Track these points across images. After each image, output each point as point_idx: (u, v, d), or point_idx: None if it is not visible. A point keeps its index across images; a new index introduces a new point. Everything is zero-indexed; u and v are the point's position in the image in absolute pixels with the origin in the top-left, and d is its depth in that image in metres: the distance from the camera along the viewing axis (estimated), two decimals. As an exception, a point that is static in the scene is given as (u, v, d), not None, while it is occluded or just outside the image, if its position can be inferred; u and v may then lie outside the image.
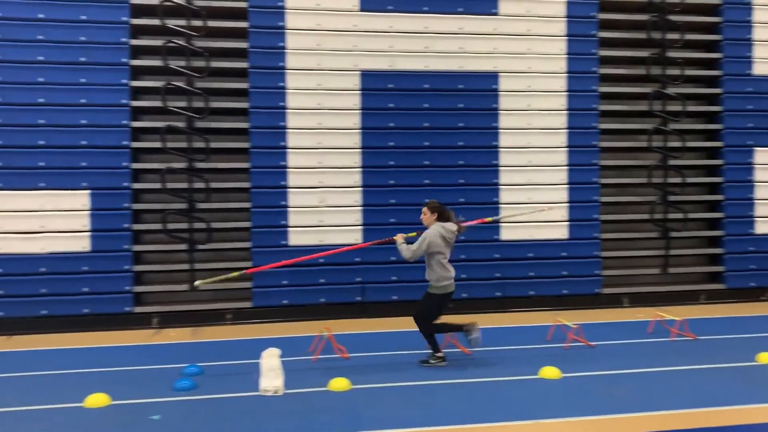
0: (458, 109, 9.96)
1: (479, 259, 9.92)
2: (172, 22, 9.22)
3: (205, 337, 8.53)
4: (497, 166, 10.00)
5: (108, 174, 9.14)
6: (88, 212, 9.06)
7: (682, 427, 5.16)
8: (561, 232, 10.12)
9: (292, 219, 9.52)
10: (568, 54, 10.19)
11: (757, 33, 10.61)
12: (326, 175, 9.64)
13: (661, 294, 10.37)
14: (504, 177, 10.01)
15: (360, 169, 9.71)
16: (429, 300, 6.83)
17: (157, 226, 9.21)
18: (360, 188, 9.70)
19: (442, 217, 6.85)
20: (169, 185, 9.21)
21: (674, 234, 10.49)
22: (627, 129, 10.75)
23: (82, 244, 9.02)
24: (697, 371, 6.59)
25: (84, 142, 9.09)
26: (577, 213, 10.17)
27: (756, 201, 10.61)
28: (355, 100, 9.73)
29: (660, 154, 10.47)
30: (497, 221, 7.95)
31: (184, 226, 9.32)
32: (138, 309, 9.17)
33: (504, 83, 10.05)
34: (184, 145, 9.32)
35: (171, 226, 9.20)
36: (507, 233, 10.00)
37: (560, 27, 10.17)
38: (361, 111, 9.75)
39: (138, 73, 9.49)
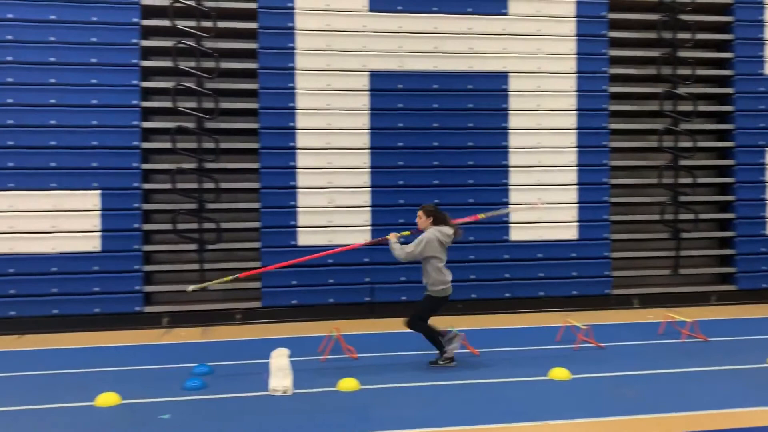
0: (467, 109, 9.94)
1: (488, 260, 9.90)
2: (182, 23, 9.27)
3: (214, 337, 8.56)
4: (507, 166, 9.98)
5: (118, 174, 9.19)
6: (99, 212, 9.11)
7: (693, 429, 5.13)
8: (571, 232, 10.09)
9: (301, 219, 9.54)
10: (578, 54, 10.15)
11: (770, 32, 10.54)
12: (335, 175, 9.65)
13: (672, 295, 10.31)
14: (513, 177, 9.98)
15: (369, 170, 9.71)
16: (427, 302, 6.79)
17: (167, 227, 9.25)
18: (369, 188, 9.70)
19: (438, 221, 6.81)
20: (179, 186, 9.25)
21: (685, 235, 10.43)
22: (637, 129, 10.70)
23: (92, 244, 9.08)
24: (708, 373, 6.54)
25: (95, 143, 9.15)
26: (586, 214, 10.13)
27: (768, 202, 10.54)
28: (364, 101, 9.73)
29: (671, 154, 10.41)
30: (494, 215, 7.85)
31: (193, 226, 9.36)
32: (148, 309, 9.22)
33: (513, 83, 10.03)
34: (194, 145, 9.36)
35: (181, 226, 9.24)
36: (516, 234, 9.98)
37: (570, 27, 10.14)
38: (370, 111, 9.75)
39: (148, 74, 9.53)
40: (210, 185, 9.36)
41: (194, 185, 9.38)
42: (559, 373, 6.37)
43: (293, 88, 9.58)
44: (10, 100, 8.96)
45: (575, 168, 10.13)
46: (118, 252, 9.13)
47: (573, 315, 8.85)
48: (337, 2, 9.66)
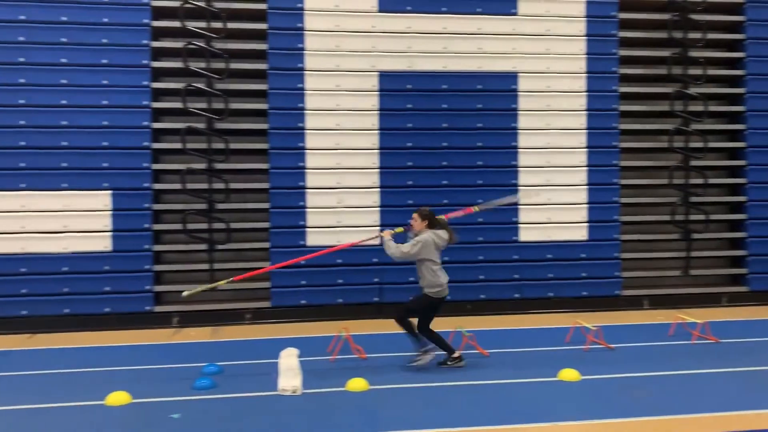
0: (477, 109, 9.93)
1: (498, 260, 9.88)
2: (192, 25, 9.31)
3: (224, 337, 8.59)
4: (516, 167, 9.95)
5: (129, 175, 9.24)
6: (110, 212, 9.17)
7: (703, 431, 5.10)
8: (580, 233, 10.05)
9: (311, 220, 9.55)
10: (588, 54, 10.11)
11: (782, 32, 10.46)
12: (344, 175, 9.67)
13: (683, 296, 10.25)
14: (523, 178, 9.96)
15: (378, 170, 9.72)
16: (421, 300, 6.75)
17: (177, 227, 9.30)
18: (378, 189, 9.71)
19: (433, 225, 6.79)
20: (189, 186, 9.29)
21: (696, 236, 10.37)
22: (647, 129, 10.66)
23: (103, 243, 9.14)
24: (719, 375, 6.50)
25: (105, 143, 9.21)
26: (596, 214, 10.09)
27: (780, 202, 10.46)
28: (373, 101, 9.74)
29: (681, 154, 10.35)
30: (488, 207, 7.79)
31: (203, 226, 9.40)
32: (158, 308, 9.26)
33: (523, 83, 10.00)
34: (203, 146, 9.40)
35: (191, 226, 9.28)
36: (525, 234, 9.95)
37: (580, 27, 10.10)
38: (379, 112, 9.76)
39: (159, 74, 9.58)
40: (220, 185, 9.40)
41: (204, 185, 9.42)
42: (569, 374, 6.35)
43: (302, 89, 9.60)
44: (22, 101, 9.03)
45: (585, 168, 10.10)
46: (129, 252, 9.19)
47: (583, 316, 8.82)
48: (347, 3, 9.67)
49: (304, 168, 9.58)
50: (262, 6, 9.56)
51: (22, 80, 9.04)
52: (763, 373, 6.54)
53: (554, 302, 9.95)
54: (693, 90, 10.34)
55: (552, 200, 9.99)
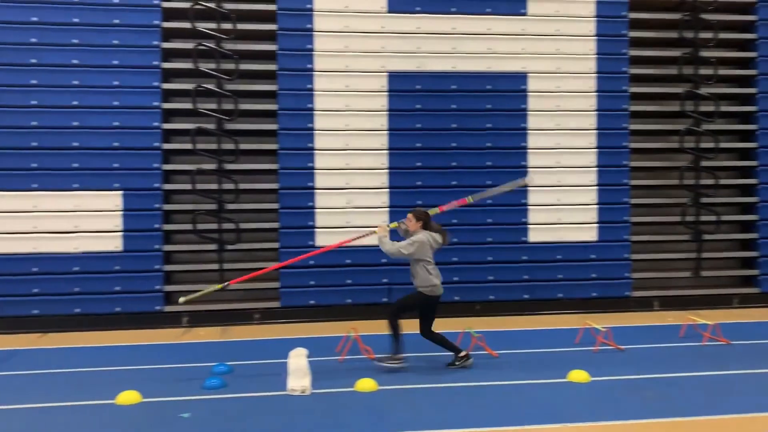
0: (486, 110, 9.91)
1: (507, 261, 9.86)
2: (202, 26, 9.35)
3: (233, 337, 8.62)
4: (526, 167, 9.93)
5: (140, 175, 9.29)
6: (121, 213, 9.23)
7: (714, 433, 5.08)
8: (590, 234, 10.01)
9: (319, 220, 9.57)
10: (598, 54, 10.08)
11: (794, 31, 10.38)
12: (353, 176, 9.68)
13: (693, 297, 10.18)
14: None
15: (387, 171, 9.72)
16: (415, 297, 6.73)
17: (188, 227, 9.34)
18: (387, 189, 9.71)
19: (427, 226, 6.80)
20: (199, 186, 9.33)
21: (707, 236, 10.30)
22: (658, 130, 10.60)
23: (114, 243, 9.19)
24: (730, 377, 6.45)
25: (116, 144, 9.26)
26: (606, 215, 10.05)
27: (792, 203, 10.38)
28: (382, 102, 9.75)
29: (692, 155, 10.30)
30: (481, 198, 7.72)
31: (213, 226, 9.43)
32: (168, 308, 9.30)
33: (533, 84, 9.98)
34: (213, 146, 9.44)
35: (201, 226, 9.32)
36: (535, 235, 9.93)
37: (590, 27, 10.07)
38: (388, 112, 9.76)
39: (169, 75, 9.63)
40: (229, 186, 9.43)
41: (214, 186, 9.46)
42: (578, 376, 6.33)
43: (311, 90, 9.62)
44: (33, 102, 9.10)
45: (595, 169, 10.06)
46: (139, 252, 9.24)
47: (592, 317, 8.79)
48: (356, 3, 9.68)
49: (313, 168, 9.60)
50: (272, 7, 9.59)
51: (34, 81, 9.11)
52: (774, 375, 6.50)
53: (564, 303, 9.92)
54: (704, 90, 10.28)
55: (562, 201, 9.96)
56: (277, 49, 9.61)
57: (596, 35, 10.08)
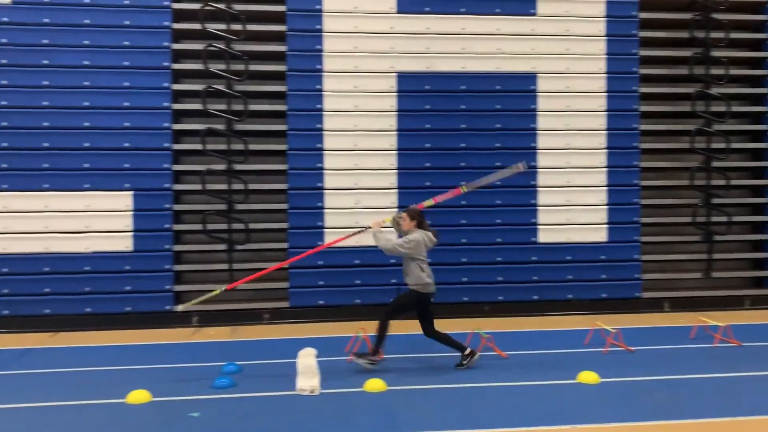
0: (495, 110, 9.90)
1: (516, 262, 9.83)
2: (212, 27, 9.39)
3: (243, 336, 8.65)
4: (535, 167, 9.90)
5: (150, 175, 9.34)
6: (131, 213, 9.28)
7: (725, 435, 5.05)
8: (600, 234, 9.97)
9: (328, 220, 9.58)
10: (608, 54, 10.04)
11: (806, 31, 10.30)
12: (362, 176, 9.69)
13: (704, 299, 10.12)
14: (542, 179, 9.91)
15: (396, 171, 9.72)
16: (408, 296, 6.74)
17: (197, 227, 9.38)
18: (396, 190, 9.71)
19: (421, 225, 6.81)
20: (209, 187, 9.37)
21: (718, 237, 10.24)
22: (669, 130, 10.55)
23: (125, 243, 9.24)
24: (741, 379, 6.41)
25: (127, 144, 9.32)
26: (616, 215, 10.01)
27: (804, 204, 10.30)
28: (391, 102, 9.75)
29: (703, 155, 10.23)
30: (476, 186, 7.68)
31: (223, 226, 9.47)
32: (178, 308, 9.31)
33: (542, 84, 9.95)
34: (223, 147, 9.48)
35: (210, 226, 9.36)
36: (544, 236, 9.90)
37: (599, 27, 10.03)
38: (397, 113, 9.76)
39: (179, 76, 9.68)
40: (239, 186, 9.46)
41: (224, 186, 9.49)
42: (588, 377, 6.30)
43: (321, 90, 9.64)
44: (45, 103, 9.17)
45: (605, 169, 10.02)
46: (150, 252, 9.29)
47: (602, 318, 8.75)
48: (365, 4, 9.69)
49: (322, 169, 9.62)
50: (281, 8, 9.62)
51: (45, 82, 9.18)
52: (786, 377, 6.45)
53: (573, 304, 9.89)
54: (715, 90, 10.21)
55: (571, 201, 9.93)
56: (286, 49, 9.63)
57: (606, 35, 10.04)
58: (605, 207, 10.00)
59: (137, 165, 9.33)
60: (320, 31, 9.64)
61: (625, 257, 10.01)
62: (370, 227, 6.89)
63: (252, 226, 9.52)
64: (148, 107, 9.37)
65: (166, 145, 9.41)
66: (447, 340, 6.79)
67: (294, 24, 9.62)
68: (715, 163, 10.24)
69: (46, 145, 9.16)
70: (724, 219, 10.17)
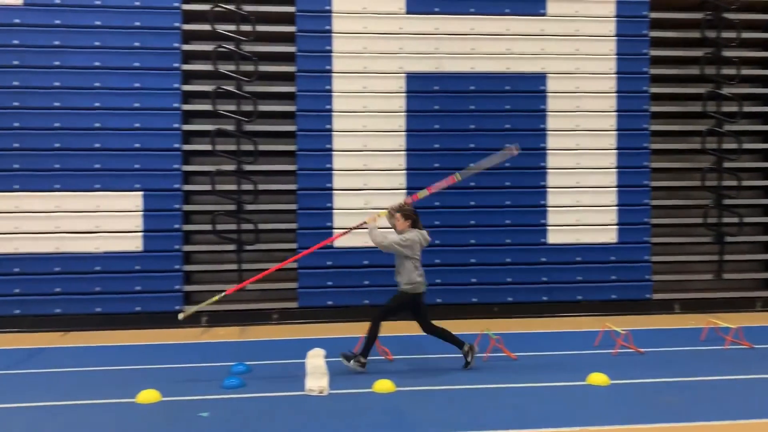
0: (505, 110, 9.87)
1: (525, 263, 9.80)
2: (222, 28, 9.42)
3: (252, 337, 8.67)
4: (545, 168, 9.87)
5: (160, 176, 9.39)
6: (141, 213, 9.32)
7: (736, 438, 5.01)
8: (610, 235, 9.93)
9: (337, 221, 9.59)
10: (618, 54, 9.99)
11: (819, 30, 10.22)
12: (371, 177, 9.68)
13: (715, 300, 10.05)
14: (551, 180, 9.88)
15: (405, 172, 9.72)
16: (397, 297, 6.72)
17: (207, 227, 9.41)
18: (405, 190, 9.70)
19: (415, 224, 6.79)
20: (219, 187, 9.40)
21: (729, 239, 10.16)
22: (679, 131, 10.48)
23: (135, 244, 9.29)
24: (752, 381, 6.36)
25: (137, 145, 9.36)
26: (626, 216, 9.96)
27: (817, 205, 10.21)
28: (400, 103, 9.75)
29: (714, 156, 10.17)
30: (470, 173, 7.61)
31: (232, 227, 9.49)
32: (188, 308, 9.35)
33: (552, 84, 9.92)
34: (233, 147, 9.50)
35: (220, 227, 9.39)
36: (554, 237, 9.86)
37: (610, 27, 9.99)
38: (406, 113, 9.76)
39: (189, 77, 9.73)
40: (248, 187, 9.49)
41: (233, 187, 9.52)
42: (598, 379, 6.27)
43: (330, 91, 9.65)
44: (56, 104, 9.24)
45: (615, 170, 9.98)
46: (160, 252, 9.33)
47: (612, 319, 8.70)
48: (374, 5, 9.70)
49: (331, 169, 9.63)
50: (291, 9, 9.64)
51: (56, 83, 9.24)
52: (799, 379, 6.39)
53: (583, 305, 9.85)
54: (726, 90, 10.14)
55: (581, 202, 9.89)
56: (295, 50, 9.65)
57: (616, 35, 9.99)
58: (615, 208, 9.95)
59: (147, 165, 9.37)
60: (329, 31, 9.65)
61: (635, 258, 9.96)
62: (365, 223, 6.87)
63: (261, 226, 9.55)
64: (158, 108, 9.41)
65: (176, 145, 9.45)
66: (444, 335, 6.78)
67: (303, 25, 9.64)
68: (727, 164, 10.17)
69: (57, 145, 9.22)
70: (735, 220, 10.10)
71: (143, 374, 6.72)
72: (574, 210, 9.89)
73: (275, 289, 9.66)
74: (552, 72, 9.93)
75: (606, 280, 9.89)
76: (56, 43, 9.25)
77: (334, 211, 9.60)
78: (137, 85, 9.38)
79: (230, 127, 9.50)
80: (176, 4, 9.45)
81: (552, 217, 9.86)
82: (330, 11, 9.64)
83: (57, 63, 9.25)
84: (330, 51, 9.66)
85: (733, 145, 10.10)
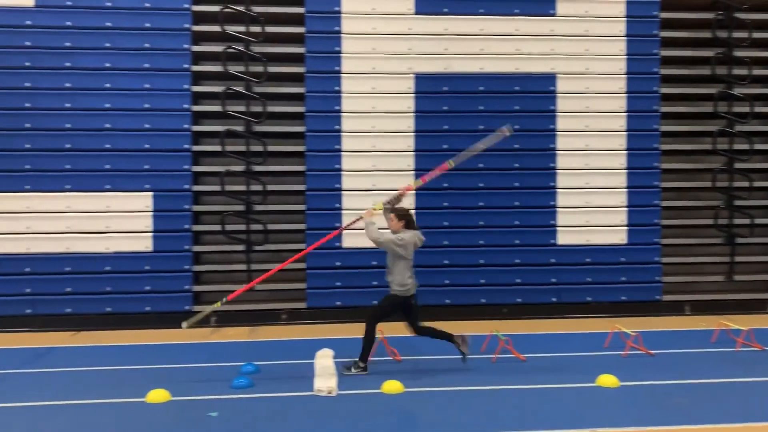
0: (514, 111, 9.85)
1: (534, 264, 9.77)
2: (231, 29, 9.45)
3: (261, 337, 8.69)
4: (554, 169, 9.84)
5: (170, 176, 9.43)
6: (151, 213, 9.36)
7: (747, 441, 4.98)
8: (619, 236, 9.88)
9: (346, 221, 9.56)
10: (628, 55, 9.95)
11: (832, 30, 10.12)
12: (380, 178, 9.68)
13: (726, 302, 9.99)
14: (561, 180, 9.84)
15: (413, 172, 9.70)
16: (389, 301, 6.71)
17: (216, 228, 9.44)
18: (413, 191, 9.68)
19: (409, 225, 6.77)
20: (228, 188, 9.43)
21: (740, 240, 10.09)
22: (690, 131, 10.42)
23: (144, 244, 9.33)
24: (764, 384, 6.31)
25: (147, 146, 9.41)
26: (636, 217, 9.91)
27: (829, 206, 10.12)
28: (409, 103, 9.75)
29: (725, 157, 10.10)
30: (464, 158, 7.59)
31: (241, 227, 9.52)
32: (197, 308, 9.38)
33: (561, 85, 9.89)
34: (242, 148, 9.53)
35: (229, 227, 9.42)
36: (563, 238, 9.83)
37: (620, 27, 9.94)
38: (415, 114, 9.76)
39: (199, 78, 9.76)
40: (257, 187, 9.51)
41: (242, 187, 9.55)
42: (607, 380, 6.25)
43: (339, 92, 9.66)
44: (67, 105, 9.29)
45: (624, 171, 9.93)
46: (169, 252, 9.37)
47: (622, 321, 8.65)
48: (383, 6, 9.70)
49: (340, 170, 9.64)
50: (300, 10, 9.66)
51: (68, 84, 9.30)
52: (811, 382, 6.34)
53: (592, 307, 9.80)
54: (738, 91, 10.07)
55: (591, 203, 9.85)
56: (305, 51, 9.67)
57: (626, 35, 9.95)
58: (625, 209, 9.90)
59: (157, 166, 9.41)
60: (339, 32, 9.66)
61: (645, 260, 9.90)
62: (361, 218, 6.85)
63: (270, 227, 9.57)
64: (168, 109, 9.45)
65: (186, 146, 9.48)
66: (433, 333, 6.79)
67: (313, 26, 9.65)
68: (738, 165, 10.11)
69: (68, 146, 9.28)
70: (746, 221, 10.03)
71: (153, 374, 6.75)
72: (584, 211, 9.85)
73: (284, 290, 9.68)
74: (561, 72, 9.90)
75: (616, 281, 9.84)
76: (67, 44, 9.31)
77: (343, 211, 9.61)
78: (147, 86, 9.42)
79: (239, 128, 9.53)
80: (186, 6, 9.49)
81: (561, 218, 9.83)
82: (339, 12, 9.65)
83: (68, 64, 9.31)
84: (339, 52, 9.67)
85: (745, 146, 10.03)
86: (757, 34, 10.05)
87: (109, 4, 9.37)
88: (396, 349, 7.30)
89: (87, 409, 5.71)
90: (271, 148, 9.56)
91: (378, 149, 9.69)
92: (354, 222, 7.29)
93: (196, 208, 9.60)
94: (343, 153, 9.65)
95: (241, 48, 9.46)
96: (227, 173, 9.45)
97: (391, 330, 8.03)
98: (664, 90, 10.08)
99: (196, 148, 9.60)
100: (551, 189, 9.82)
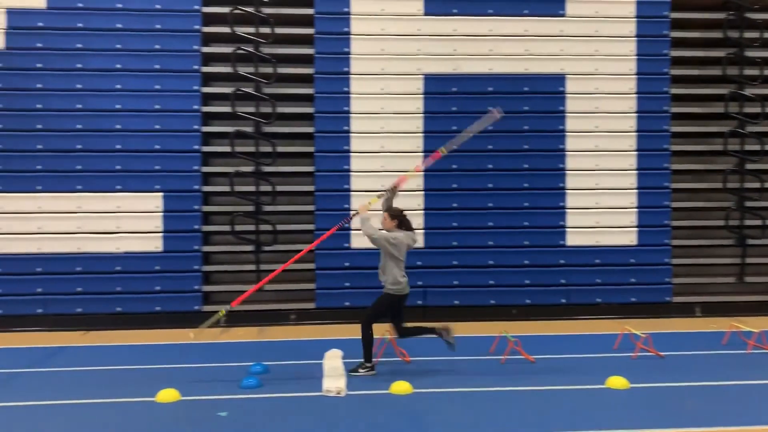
0: (523, 112, 9.83)
1: (544, 265, 9.74)
2: (241, 30, 9.48)
3: (270, 337, 8.71)
4: (563, 170, 9.81)
5: (180, 177, 9.47)
6: (161, 214, 9.41)
7: (759, 444, 4.94)
8: (629, 238, 9.84)
9: (355, 222, 9.57)
10: (638, 55, 9.90)
11: None
12: (389, 179, 9.65)
13: (737, 304, 9.92)
14: (570, 181, 9.81)
15: (422, 173, 9.70)
16: (384, 300, 6.70)
17: (226, 228, 9.48)
18: (422, 192, 9.70)
19: (402, 225, 6.76)
20: (237, 188, 9.46)
21: (751, 241, 10.02)
22: (701, 132, 10.36)
23: (155, 244, 9.38)
24: (775, 386, 6.28)
25: (158, 147, 9.46)
26: (646, 218, 9.86)
27: (842, 207, 10.02)
28: (418, 104, 9.75)
29: (736, 157, 10.04)
30: (457, 143, 7.55)
31: (251, 227, 9.55)
32: (207, 308, 9.44)
33: (571, 85, 9.86)
34: (251, 149, 9.56)
35: (238, 227, 9.45)
36: (573, 239, 9.80)
37: (630, 27, 9.90)
38: (423, 115, 9.76)
39: (209, 79, 9.80)
40: (267, 188, 9.54)
41: (252, 188, 9.57)
42: (617, 382, 6.22)
43: (348, 92, 9.67)
44: (79, 106, 9.36)
45: (635, 172, 9.88)
46: (179, 252, 9.41)
47: (631, 323, 8.61)
48: (392, 6, 9.71)
49: (348, 171, 9.65)
50: (309, 11, 9.68)
51: (79, 85, 9.37)
52: (823, 385, 6.29)
53: (602, 308, 9.77)
54: (749, 91, 10.01)
55: (600, 204, 9.81)
56: (314, 52, 9.69)
57: (636, 36, 9.91)
58: (635, 210, 9.86)
59: (167, 167, 9.46)
60: (348, 33, 9.67)
61: (655, 261, 9.85)
62: (356, 213, 6.86)
63: (279, 227, 9.59)
64: (179, 110, 9.50)
65: (196, 147, 9.53)
66: (417, 331, 6.81)
67: (322, 27, 9.67)
68: (749, 166, 10.04)
69: (79, 147, 9.35)
70: (758, 222, 9.96)
71: (162, 374, 6.78)
72: (594, 212, 9.81)
73: (293, 290, 9.69)
74: (571, 73, 9.87)
75: (625, 282, 9.79)
76: (78, 45, 9.38)
77: (352, 212, 9.60)
78: (158, 87, 9.47)
79: (249, 129, 9.57)
80: (196, 7, 9.54)
81: (571, 219, 9.80)
82: (348, 13, 9.66)
83: (79, 65, 9.38)
84: (348, 53, 9.68)
85: (756, 147, 9.96)
86: (768, 34, 9.99)
87: (119, 5, 9.43)
88: (405, 349, 7.30)
89: (97, 409, 5.74)
90: (280, 149, 9.59)
91: (387, 150, 9.70)
92: (350, 218, 7.28)
93: (206, 208, 9.64)
94: (351, 154, 9.66)
95: (250, 49, 9.49)
96: (237, 174, 9.48)
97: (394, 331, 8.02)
98: (675, 91, 10.03)
99: (205, 148, 9.64)
100: (560, 190, 9.79)
